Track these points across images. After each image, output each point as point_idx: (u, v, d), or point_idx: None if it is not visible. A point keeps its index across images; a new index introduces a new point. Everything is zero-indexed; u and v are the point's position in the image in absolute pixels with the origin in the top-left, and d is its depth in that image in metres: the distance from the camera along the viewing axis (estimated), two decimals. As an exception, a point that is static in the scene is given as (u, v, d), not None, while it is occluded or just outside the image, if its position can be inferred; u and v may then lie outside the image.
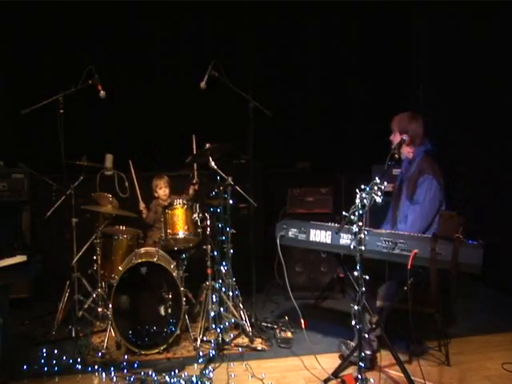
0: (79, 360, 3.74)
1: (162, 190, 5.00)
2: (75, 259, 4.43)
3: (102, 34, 5.76)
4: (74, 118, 4.33)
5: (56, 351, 3.88)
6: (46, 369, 3.63)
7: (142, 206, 4.92)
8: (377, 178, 2.97)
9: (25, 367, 3.62)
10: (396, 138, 3.72)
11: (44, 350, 3.88)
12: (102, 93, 4.21)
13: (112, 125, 5.66)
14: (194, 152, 4.66)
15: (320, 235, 3.50)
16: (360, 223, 3.03)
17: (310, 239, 3.56)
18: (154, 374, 3.55)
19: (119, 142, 5.48)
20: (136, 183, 4.89)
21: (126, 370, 3.64)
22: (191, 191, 4.97)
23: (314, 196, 5.25)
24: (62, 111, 4.01)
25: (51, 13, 5.54)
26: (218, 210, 4.41)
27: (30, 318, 4.66)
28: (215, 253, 4.39)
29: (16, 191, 4.99)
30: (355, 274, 3.04)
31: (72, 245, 4.39)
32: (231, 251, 4.42)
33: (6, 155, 5.22)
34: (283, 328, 4.24)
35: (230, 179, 4.25)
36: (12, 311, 3.56)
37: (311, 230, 3.56)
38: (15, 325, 4.41)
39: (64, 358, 3.80)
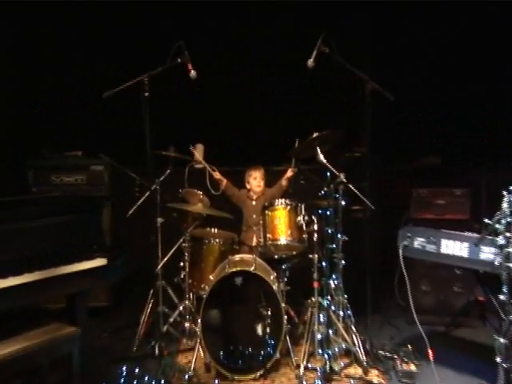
0: (163, 382, 3.90)
1: (257, 181, 5.25)
2: (160, 265, 4.60)
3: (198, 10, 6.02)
4: (161, 103, 4.53)
5: (137, 370, 4.06)
6: (125, 389, 3.86)
7: (217, 175, 5.15)
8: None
9: (102, 386, 3.86)
10: None
11: (124, 368, 4.06)
12: (193, 72, 4.34)
13: (203, 112, 5.89)
14: (296, 144, 4.74)
15: (454, 247, 3.44)
16: (508, 234, 2.96)
17: (441, 251, 3.52)
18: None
19: (211, 131, 5.73)
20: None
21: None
22: (284, 182, 5.16)
23: (446, 198, 5.17)
24: (147, 94, 4.17)
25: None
26: (328, 213, 4.48)
27: (108, 331, 4.96)
28: (323, 263, 4.45)
29: (95, 185, 5.33)
30: (501, 297, 2.97)
31: (157, 248, 4.53)
32: (342, 262, 4.45)
33: (85, 144, 5.57)
34: (405, 359, 4.20)
35: (342, 176, 4.28)
36: (89, 321, 3.78)
37: (442, 241, 3.51)
38: (92, 337, 4.68)
39: (146, 378, 3.94)
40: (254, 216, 5.12)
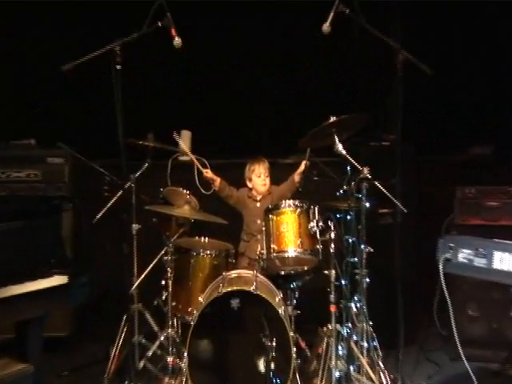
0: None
1: (261, 179, 5.25)
2: (136, 284, 4.60)
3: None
4: (137, 79, 4.63)
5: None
6: None
7: (208, 173, 5.14)
8: None
9: None
10: None
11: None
12: (177, 40, 4.23)
13: (191, 91, 5.90)
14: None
15: (510, 261, 3.41)
16: None
17: (494, 267, 3.48)
18: None
19: (201, 114, 5.74)
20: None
21: None
22: (297, 178, 5.13)
23: (500, 199, 5.15)
24: (118, 67, 4.04)
25: None
26: (348, 218, 4.49)
27: (69, 368, 4.92)
28: (342, 282, 4.45)
29: (53, 182, 5.27)
30: None
31: (131, 262, 4.54)
32: (367, 280, 4.47)
33: (40, 131, 5.53)
34: (447, 404, 4.19)
35: (366, 171, 4.28)
36: (45, 356, 3.75)
37: (495, 253, 3.47)
38: (49, 376, 4.64)
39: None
40: (259, 221, 5.09)
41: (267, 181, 5.26)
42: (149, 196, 4.76)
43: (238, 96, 6.06)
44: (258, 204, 5.27)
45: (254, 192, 5.30)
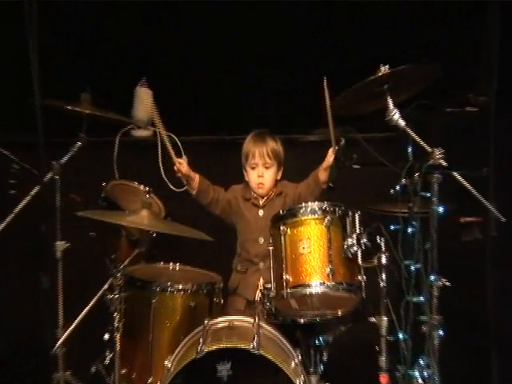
0: None
1: (256, 173, 5.06)
2: (62, 339, 4.54)
3: None
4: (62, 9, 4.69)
5: None
6: None
7: (183, 165, 5.04)
8: None
9: None
10: None
11: None
12: None
13: (151, 34, 5.99)
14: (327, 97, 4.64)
15: None
16: None
17: None
18: None
19: (172, 70, 5.81)
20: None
21: None
22: (323, 174, 4.90)
23: None
24: None
25: None
26: (409, 230, 4.32)
27: None
28: (400, 335, 4.26)
29: None
30: None
31: (55, 304, 4.54)
32: (440, 332, 4.24)
33: None
34: None
35: (438, 153, 4.16)
36: None
37: None
38: None
39: None
40: (262, 240, 5.01)
41: (267, 176, 5.05)
42: (81, 195, 4.73)
43: (234, 39, 6.17)
44: (261, 212, 5.10)
45: (250, 192, 5.14)
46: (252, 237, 5.03)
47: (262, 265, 4.88)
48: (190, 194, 5.06)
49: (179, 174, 4.96)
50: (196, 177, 5.01)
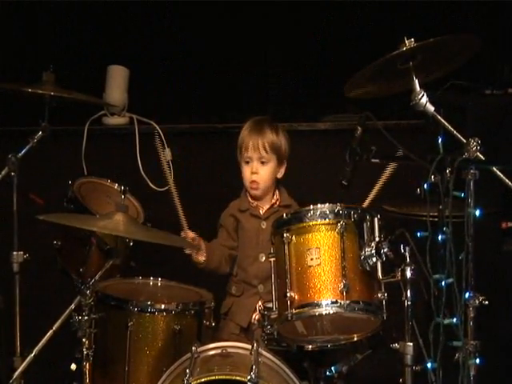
0: None
1: (249, 168, 4.63)
2: (19, 370, 4.26)
3: None
4: None
5: None
6: None
7: (188, 234, 4.64)
8: None
9: None
10: None
11: None
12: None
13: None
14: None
15: None
16: None
17: None
18: None
19: (147, 44, 5.62)
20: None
21: None
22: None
23: None
24: None
25: None
26: (439, 238, 3.84)
27: None
28: (429, 364, 3.83)
29: None
30: None
31: (13, 326, 4.41)
32: (477, 361, 3.84)
33: None
34: None
35: (474, 145, 3.72)
36: None
37: None
38: None
39: None
40: (263, 258, 4.57)
41: (262, 173, 4.59)
42: (43, 196, 4.38)
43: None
44: (264, 224, 4.63)
45: (246, 202, 4.68)
46: (251, 253, 4.61)
47: (261, 287, 4.47)
48: (199, 266, 4.61)
49: (188, 250, 4.54)
50: (202, 244, 4.56)
